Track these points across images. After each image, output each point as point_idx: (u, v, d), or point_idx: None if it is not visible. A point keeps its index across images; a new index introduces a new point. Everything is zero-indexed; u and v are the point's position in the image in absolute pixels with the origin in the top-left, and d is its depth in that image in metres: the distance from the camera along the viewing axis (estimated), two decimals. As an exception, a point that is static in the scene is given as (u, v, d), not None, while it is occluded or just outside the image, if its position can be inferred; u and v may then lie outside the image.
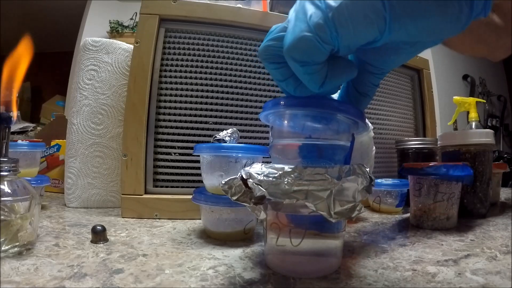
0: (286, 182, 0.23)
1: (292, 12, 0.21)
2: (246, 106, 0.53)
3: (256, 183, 0.24)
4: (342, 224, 0.28)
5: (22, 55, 0.30)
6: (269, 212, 0.27)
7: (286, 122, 0.27)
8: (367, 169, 0.26)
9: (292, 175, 0.23)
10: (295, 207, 0.26)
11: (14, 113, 0.29)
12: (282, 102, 0.25)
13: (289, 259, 0.27)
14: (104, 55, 0.55)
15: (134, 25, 2.01)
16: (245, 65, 0.54)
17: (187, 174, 0.50)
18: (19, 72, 0.30)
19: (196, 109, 0.52)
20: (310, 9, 0.19)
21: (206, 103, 0.52)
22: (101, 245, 0.33)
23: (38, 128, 1.51)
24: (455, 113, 0.77)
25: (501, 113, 2.69)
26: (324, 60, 0.21)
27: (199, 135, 0.51)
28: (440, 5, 0.19)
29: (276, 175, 0.23)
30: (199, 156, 0.40)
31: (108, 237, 0.35)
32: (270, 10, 0.61)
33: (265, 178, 0.24)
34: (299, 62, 0.20)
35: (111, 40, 0.57)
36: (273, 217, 0.27)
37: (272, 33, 0.23)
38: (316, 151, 0.26)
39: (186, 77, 0.52)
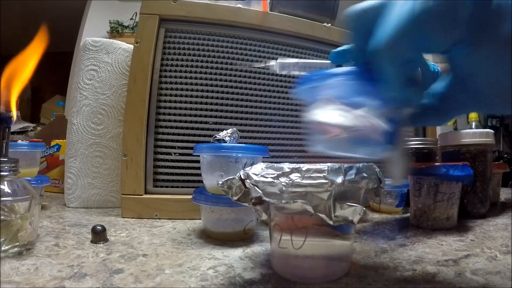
0: (284, 183, 0.22)
1: None
2: (246, 106, 0.53)
3: (253, 184, 0.24)
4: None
5: (30, 56, 0.30)
6: (273, 213, 0.27)
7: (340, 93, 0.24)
8: (377, 169, 0.25)
9: (291, 176, 0.23)
10: (296, 208, 0.25)
11: (14, 113, 0.29)
12: (338, 71, 0.23)
13: (293, 262, 0.26)
14: (104, 55, 0.55)
15: (134, 25, 2.00)
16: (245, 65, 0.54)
17: (187, 174, 0.50)
18: (24, 73, 0.30)
19: (196, 109, 0.52)
20: None
21: (206, 103, 0.52)
22: (101, 245, 0.33)
23: (38, 128, 1.51)
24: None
25: (501, 113, 2.67)
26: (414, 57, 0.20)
27: (199, 135, 0.51)
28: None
29: (273, 175, 0.23)
30: (199, 156, 0.40)
31: (108, 237, 0.35)
32: (270, 10, 0.61)
33: (262, 178, 0.23)
34: (400, 59, 0.19)
35: (111, 40, 0.57)
36: (279, 218, 0.26)
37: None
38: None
39: (186, 77, 0.52)
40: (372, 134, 0.22)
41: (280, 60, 0.30)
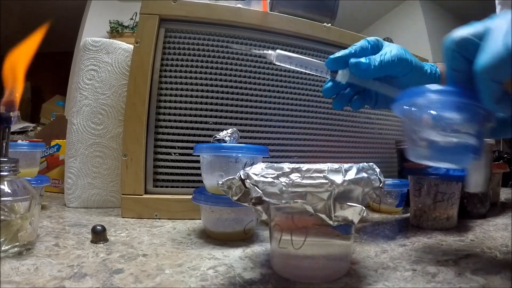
0: (284, 183, 0.22)
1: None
2: (246, 106, 0.53)
3: (253, 184, 0.24)
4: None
5: (21, 55, 0.30)
6: (273, 213, 0.27)
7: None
8: (378, 170, 0.25)
9: (291, 176, 0.23)
10: (296, 208, 0.25)
11: (16, 113, 0.29)
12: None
13: (293, 262, 0.26)
14: (104, 55, 0.55)
15: (134, 25, 2.00)
16: (245, 65, 0.54)
17: (187, 174, 0.50)
18: (19, 71, 0.30)
19: (196, 109, 0.52)
20: None
21: (206, 103, 0.52)
22: (101, 245, 0.33)
23: (38, 128, 1.51)
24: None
25: (501, 113, 2.67)
26: None
27: (199, 135, 0.51)
28: None
29: (273, 175, 0.23)
30: (199, 156, 0.40)
31: (108, 237, 0.35)
32: (270, 10, 0.61)
33: (262, 178, 0.23)
34: (497, 81, 0.22)
35: (111, 40, 0.57)
36: (279, 218, 0.26)
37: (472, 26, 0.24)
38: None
39: (186, 77, 0.52)
40: (464, 146, 0.25)
41: (279, 51, 0.30)
